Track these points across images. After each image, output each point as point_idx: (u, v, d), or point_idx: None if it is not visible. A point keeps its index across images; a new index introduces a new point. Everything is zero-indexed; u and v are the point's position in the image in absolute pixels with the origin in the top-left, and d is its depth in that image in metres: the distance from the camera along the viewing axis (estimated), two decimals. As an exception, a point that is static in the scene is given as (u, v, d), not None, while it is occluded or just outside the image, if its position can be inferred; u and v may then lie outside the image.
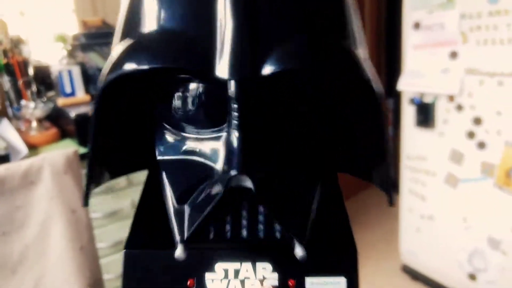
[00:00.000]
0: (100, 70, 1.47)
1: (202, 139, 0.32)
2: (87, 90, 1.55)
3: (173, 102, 0.33)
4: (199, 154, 0.32)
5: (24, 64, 1.47)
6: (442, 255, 1.74)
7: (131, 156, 0.40)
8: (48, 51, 1.70)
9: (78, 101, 1.50)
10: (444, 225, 1.71)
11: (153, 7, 0.30)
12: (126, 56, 0.29)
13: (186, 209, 0.32)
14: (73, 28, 1.88)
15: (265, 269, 0.33)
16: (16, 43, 1.49)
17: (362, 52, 0.33)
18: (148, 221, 0.38)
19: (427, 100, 1.67)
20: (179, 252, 0.31)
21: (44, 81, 1.58)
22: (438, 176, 1.69)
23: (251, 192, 0.28)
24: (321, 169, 0.35)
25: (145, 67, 0.27)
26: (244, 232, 0.31)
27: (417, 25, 1.64)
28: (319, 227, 0.34)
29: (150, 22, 0.30)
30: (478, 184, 1.56)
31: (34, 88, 1.47)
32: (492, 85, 1.45)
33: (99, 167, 0.36)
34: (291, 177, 0.33)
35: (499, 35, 1.41)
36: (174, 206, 0.33)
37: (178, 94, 0.32)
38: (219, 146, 0.31)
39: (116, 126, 0.37)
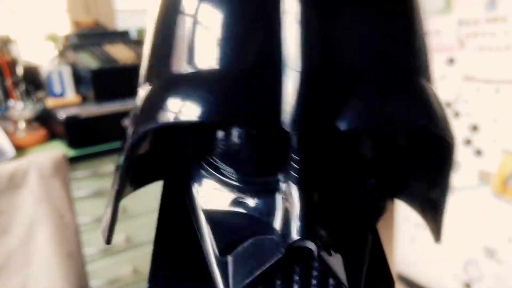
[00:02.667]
0: (92, 71, 1.45)
1: (253, 191, 0.28)
2: (77, 91, 1.52)
3: (216, 146, 0.28)
4: (250, 207, 0.28)
5: (13, 64, 1.44)
6: (437, 264, 1.72)
7: (150, 167, 0.36)
8: (39, 51, 1.67)
9: (68, 102, 1.46)
10: (439, 233, 1.69)
11: (187, 43, 0.24)
12: (159, 107, 0.23)
13: (230, 260, 0.28)
14: (65, 28, 1.85)
15: None
16: (5, 42, 1.46)
17: (433, 83, 0.28)
18: (171, 250, 0.34)
19: (424, 106, 1.66)
20: None
21: (34, 81, 1.54)
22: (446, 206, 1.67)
23: (311, 252, 0.25)
24: (374, 220, 0.32)
25: (195, 119, 0.22)
26: (296, 287, 0.28)
27: (414, 31, 1.63)
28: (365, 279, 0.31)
29: (183, 61, 0.24)
30: (474, 192, 1.54)
31: (22, 88, 1.44)
32: (489, 92, 1.44)
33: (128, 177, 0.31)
34: (350, 234, 0.29)
35: (496, 42, 1.40)
36: (216, 257, 0.29)
37: (221, 141, 0.27)
38: (274, 201, 0.27)
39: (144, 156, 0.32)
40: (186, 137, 0.31)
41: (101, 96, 1.46)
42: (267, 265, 0.26)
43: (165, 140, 0.34)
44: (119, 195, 0.30)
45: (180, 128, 0.31)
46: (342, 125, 0.22)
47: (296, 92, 0.22)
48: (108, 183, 1.41)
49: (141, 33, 1.84)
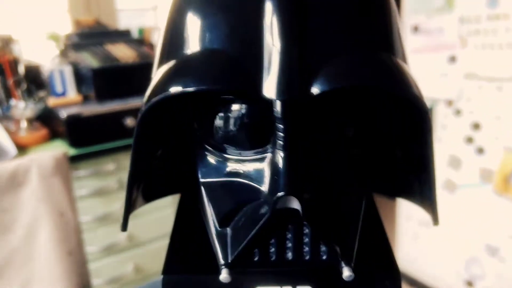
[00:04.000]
0: (93, 70, 1.45)
1: (245, 161, 0.32)
2: (79, 90, 1.52)
3: (215, 123, 0.32)
4: (242, 175, 0.31)
5: (15, 63, 1.44)
6: (439, 261, 1.72)
7: (166, 180, 0.39)
8: (40, 50, 1.67)
9: (69, 101, 1.47)
10: (441, 231, 1.69)
11: (196, 28, 0.29)
12: (170, 78, 0.28)
13: (229, 232, 0.31)
14: (66, 28, 1.85)
15: None
16: (7, 42, 1.46)
17: (407, 64, 0.32)
18: (185, 245, 0.37)
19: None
20: (224, 275, 0.29)
21: (35, 80, 1.55)
22: (436, 182, 1.66)
23: (297, 213, 0.27)
24: (365, 190, 0.34)
25: (190, 89, 0.26)
26: (290, 255, 0.30)
27: (416, 29, 1.63)
28: (361, 249, 0.32)
29: (193, 43, 0.29)
30: (476, 190, 1.54)
31: (24, 87, 1.44)
32: (491, 90, 1.44)
33: (136, 192, 0.35)
34: (337, 198, 0.32)
35: (498, 39, 1.39)
36: (216, 229, 0.32)
37: (220, 115, 0.31)
38: (264, 167, 0.30)
39: (155, 150, 0.36)
40: (190, 119, 0.35)
41: (103, 95, 1.46)
42: (257, 228, 0.28)
43: (174, 150, 0.37)
44: (132, 180, 0.33)
45: (184, 110, 0.34)
46: (317, 88, 0.26)
47: (277, 64, 0.26)
48: (109, 182, 1.43)
49: (142, 32, 1.84)
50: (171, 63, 0.30)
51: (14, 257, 1.07)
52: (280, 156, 0.26)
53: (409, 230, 1.82)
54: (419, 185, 0.35)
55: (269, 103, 0.26)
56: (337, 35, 0.28)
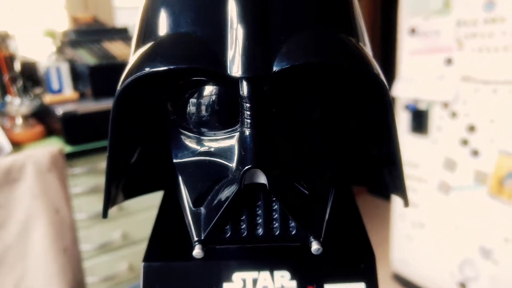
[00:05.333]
0: (90, 67, 1.45)
1: (216, 140, 0.33)
2: (75, 88, 1.51)
3: (188, 107, 0.33)
4: (214, 154, 0.32)
5: (11, 59, 1.43)
6: (433, 263, 1.73)
7: (146, 176, 0.40)
8: (37, 47, 1.67)
9: (65, 98, 1.46)
10: (435, 233, 1.69)
11: (167, 13, 0.31)
12: (143, 60, 0.30)
13: (203, 210, 0.33)
14: (63, 24, 1.84)
15: (284, 277, 0.34)
16: (3, 38, 1.46)
17: (368, 50, 0.33)
18: (166, 234, 0.39)
19: (422, 106, 1.66)
20: (197, 251, 0.31)
21: (31, 77, 1.54)
22: (430, 183, 1.67)
23: (266, 189, 0.29)
24: (335, 172, 0.35)
25: (161, 69, 0.28)
26: (260, 230, 0.32)
27: (413, 31, 1.64)
28: (335, 232, 0.34)
29: (164, 27, 0.31)
30: (470, 192, 1.54)
31: (20, 84, 1.44)
32: (487, 93, 1.45)
33: (115, 187, 0.36)
34: (305, 176, 0.33)
35: (494, 42, 1.40)
36: (191, 209, 0.34)
37: (192, 99, 0.33)
38: (234, 145, 0.31)
39: (132, 141, 0.37)
40: (164, 103, 0.36)
41: (99, 92, 1.46)
42: (227, 203, 0.30)
43: (153, 149, 0.39)
44: (110, 175, 0.35)
45: (158, 94, 0.36)
46: (278, 65, 0.28)
47: (241, 44, 0.28)
48: (102, 179, 1.41)
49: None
50: (144, 47, 0.31)
51: (8, 253, 1.07)
52: (247, 132, 0.28)
53: (403, 231, 1.82)
54: (388, 169, 0.36)
55: (236, 83, 0.28)
56: (297, 15, 0.29)
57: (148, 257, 0.35)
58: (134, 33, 0.35)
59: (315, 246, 0.31)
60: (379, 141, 0.36)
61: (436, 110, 1.61)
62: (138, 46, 0.33)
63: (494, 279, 1.51)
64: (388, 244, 1.92)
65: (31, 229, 1.08)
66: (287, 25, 0.29)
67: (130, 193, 0.40)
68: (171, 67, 0.28)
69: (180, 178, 0.35)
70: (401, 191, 0.35)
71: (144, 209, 1.41)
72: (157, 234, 0.38)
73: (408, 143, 1.73)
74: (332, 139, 0.35)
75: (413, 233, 1.78)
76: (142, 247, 1.62)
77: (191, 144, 0.34)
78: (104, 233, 1.38)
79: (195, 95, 0.32)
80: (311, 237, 0.31)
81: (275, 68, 0.28)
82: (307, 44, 0.28)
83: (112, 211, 1.26)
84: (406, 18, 1.66)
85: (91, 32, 1.64)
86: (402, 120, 1.74)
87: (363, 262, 0.35)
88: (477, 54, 1.45)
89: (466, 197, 1.56)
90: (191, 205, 0.34)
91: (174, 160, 0.35)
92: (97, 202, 1.35)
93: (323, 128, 0.34)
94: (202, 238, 0.31)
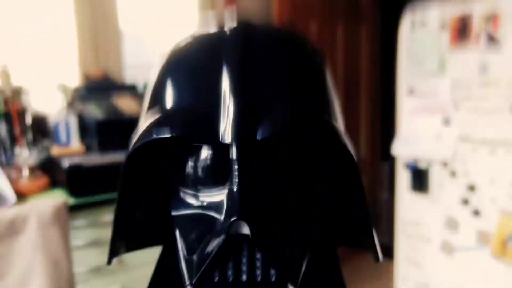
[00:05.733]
0: (97, 121, 1.49)
1: (210, 196, 0.38)
2: (82, 140, 1.55)
3: (186, 168, 0.39)
4: (206, 208, 0.38)
5: (23, 112, 1.49)
6: (438, 327, 1.67)
7: (147, 231, 0.46)
8: (49, 100, 1.73)
9: (72, 151, 1.50)
10: (440, 294, 1.65)
11: (173, 90, 0.39)
12: (151, 128, 0.36)
13: (195, 258, 0.38)
14: (75, 80, 1.92)
15: None
16: (17, 92, 1.52)
17: (340, 126, 0.40)
18: (163, 280, 0.44)
19: (422, 165, 1.68)
20: None
21: (41, 129, 1.59)
22: (433, 243, 1.66)
23: (250, 240, 0.34)
24: (314, 227, 0.41)
25: (167, 135, 0.35)
26: (244, 277, 0.36)
27: (411, 91, 1.69)
28: (314, 281, 0.39)
29: (170, 101, 0.38)
30: (474, 253, 1.52)
31: (30, 136, 1.48)
32: (485, 152, 1.47)
33: (119, 239, 0.42)
34: (286, 229, 0.38)
35: (489, 104, 1.44)
36: (184, 256, 0.39)
37: (190, 163, 0.39)
38: (223, 200, 0.36)
39: (138, 198, 0.43)
40: (166, 165, 0.43)
41: (105, 146, 1.49)
42: (215, 251, 0.35)
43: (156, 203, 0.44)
44: (116, 229, 0.40)
45: (160, 159, 0.42)
46: (261, 134, 0.34)
47: (231, 118, 0.34)
48: (106, 233, 1.41)
49: (147, 86, 1.91)
50: (153, 117, 0.38)
51: (4, 306, 1.05)
52: (235, 188, 0.34)
53: (407, 292, 1.77)
54: (360, 228, 0.41)
55: (227, 148, 0.34)
56: (279, 94, 0.37)
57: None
58: (144, 101, 0.42)
59: None
60: (350, 202, 0.41)
61: (436, 169, 1.63)
62: (147, 113, 0.40)
63: None
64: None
65: (30, 281, 1.07)
66: (268, 103, 0.36)
67: (132, 246, 0.44)
68: (175, 134, 0.34)
69: (176, 229, 0.40)
70: (372, 246, 0.40)
71: (143, 264, 1.39)
72: (155, 281, 0.43)
73: (410, 202, 1.74)
74: (309, 199, 0.41)
75: (416, 295, 1.74)
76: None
77: (188, 199, 0.40)
78: (103, 287, 1.36)
79: (193, 159, 0.39)
80: (289, 284, 0.36)
81: (258, 136, 0.34)
82: (284, 119, 0.35)
83: (112, 264, 1.25)
84: (404, 79, 1.72)
85: (101, 88, 1.70)
86: (403, 179, 1.75)
87: None
88: (473, 115, 1.49)
89: (469, 258, 1.54)
90: (185, 253, 0.39)
91: (172, 213, 0.40)
92: (97, 256, 1.34)
93: (301, 188, 0.40)
94: (193, 282, 0.36)
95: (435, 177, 1.64)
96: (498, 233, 1.45)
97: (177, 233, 0.40)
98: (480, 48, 1.46)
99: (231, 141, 0.34)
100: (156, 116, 0.37)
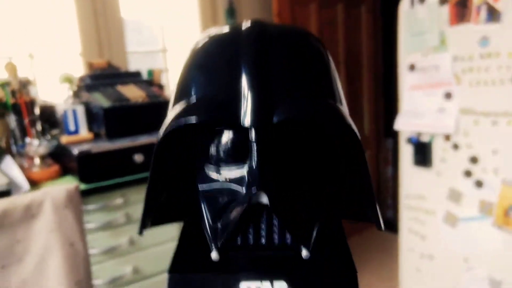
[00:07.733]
0: (104, 109, 1.53)
1: (231, 171, 0.43)
2: (90, 129, 1.59)
3: (210, 151, 0.44)
4: (229, 182, 0.43)
5: (31, 103, 1.53)
6: (444, 296, 1.71)
7: (172, 208, 0.50)
8: (55, 91, 1.76)
9: (81, 139, 1.54)
10: (444, 265, 1.69)
11: (198, 81, 0.43)
12: (179, 115, 0.40)
13: (219, 225, 0.43)
14: (80, 70, 1.95)
15: (281, 287, 0.42)
16: (25, 84, 1.56)
17: (344, 108, 0.45)
18: (189, 249, 0.47)
19: (424, 139, 1.70)
20: (214, 255, 0.42)
21: (49, 119, 1.63)
22: (437, 215, 1.69)
23: (268, 208, 0.39)
24: (323, 199, 0.46)
25: (193, 121, 0.39)
26: (263, 240, 0.43)
27: (412, 67, 1.70)
28: (322, 253, 0.43)
29: (196, 91, 0.43)
30: (477, 223, 1.55)
31: (39, 126, 1.52)
32: (487, 124, 1.48)
33: (149, 215, 0.45)
34: (299, 199, 0.44)
35: (490, 76, 1.45)
36: (210, 225, 0.44)
37: (213, 145, 0.44)
38: (244, 175, 0.41)
39: (166, 178, 0.47)
40: (192, 148, 0.47)
41: (113, 133, 1.53)
42: (238, 216, 0.40)
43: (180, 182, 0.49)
44: (148, 204, 0.44)
45: (189, 138, 0.47)
46: (276, 118, 0.38)
47: (250, 104, 0.39)
48: (117, 216, 1.47)
49: (151, 73, 1.93)
50: (179, 106, 0.42)
51: (25, 286, 1.10)
52: (254, 166, 0.38)
53: (411, 263, 1.81)
54: (364, 200, 0.45)
55: (247, 131, 0.39)
56: (291, 85, 0.41)
57: (173, 268, 0.44)
58: (172, 93, 0.47)
59: (304, 253, 0.42)
60: (354, 177, 0.45)
61: (439, 142, 1.65)
62: (175, 103, 0.44)
63: (507, 312, 1.49)
64: (397, 277, 1.90)
65: (47, 262, 1.12)
66: (283, 92, 0.40)
67: (157, 221, 0.48)
68: (202, 119, 0.39)
69: (202, 202, 0.46)
70: (374, 216, 0.44)
71: (155, 244, 1.45)
72: (181, 248, 0.47)
73: (413, 176, 1.76)
74: (320, 174, 0.46)
75: (422, 266, 1.77)
76: (152, 282, 1.64)
77: (212, 175, 0.45)
78: (116, 268, 1.41)
79: (216, 142, 0.44)
80: (302, 246, 0.42)
81: (274, 121, 0.38)
82: (297, 105, 0.39)
83: (124, 244, 1.31)
84: (405, 55, 1.73)
85: (106, 76, 1.73)
86: (406, 153, 1.77)
87: (345, 277, 0.42)
88: (475, 88, 1.50)
89: (473, 228, 1.57)
90: (210, 222, 0.44)
91: (200, 188, 0.46)
92: (110, 238, 1.39)
93: (313, 164, 0.45)
94: (218, 244, 0.42)
95: (438, 151, 1.66)
96: (501, 203, 1.47)
97: (203, 205, 0.46)
98: (480, 20, 1.46)
99: (250, 125, 0.38)
100: (181, 106, 0.42)
